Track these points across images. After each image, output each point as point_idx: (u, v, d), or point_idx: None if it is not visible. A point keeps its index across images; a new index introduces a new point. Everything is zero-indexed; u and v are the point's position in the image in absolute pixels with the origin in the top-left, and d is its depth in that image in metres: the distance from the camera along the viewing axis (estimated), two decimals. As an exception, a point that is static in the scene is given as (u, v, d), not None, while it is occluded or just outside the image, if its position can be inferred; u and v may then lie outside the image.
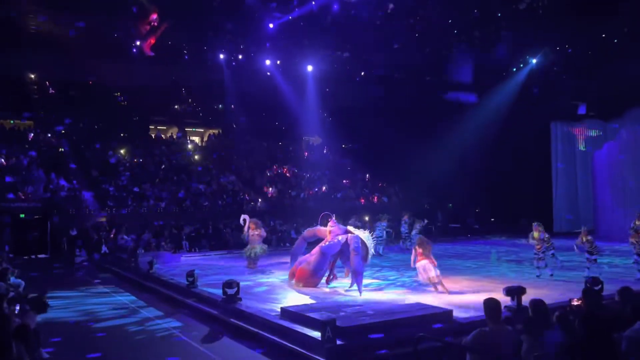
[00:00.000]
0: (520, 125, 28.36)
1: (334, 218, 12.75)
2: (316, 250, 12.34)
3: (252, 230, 15.79)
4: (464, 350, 4.88)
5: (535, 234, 13.56)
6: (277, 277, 14.24)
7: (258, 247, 15.65)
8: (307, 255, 12.68)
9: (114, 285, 14.46)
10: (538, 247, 13.48)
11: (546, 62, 28.99)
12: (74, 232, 21.82)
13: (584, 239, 13.30)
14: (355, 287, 11.17)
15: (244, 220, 16.16)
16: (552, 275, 13.20)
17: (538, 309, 5.25)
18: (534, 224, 13.88)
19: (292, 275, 12.64)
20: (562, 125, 29.35)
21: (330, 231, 12.36)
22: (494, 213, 30.69)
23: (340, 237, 11.94)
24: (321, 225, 13.20)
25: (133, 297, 12.57)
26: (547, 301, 9.20)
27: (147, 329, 9.39)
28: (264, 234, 16.30)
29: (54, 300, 11.28)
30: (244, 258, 16.03)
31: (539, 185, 29.04)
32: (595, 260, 13.12)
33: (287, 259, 17.05)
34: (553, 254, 14.09)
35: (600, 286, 8.28)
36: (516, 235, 26.92)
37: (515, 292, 8.63)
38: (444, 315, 8.35)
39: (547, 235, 13.75)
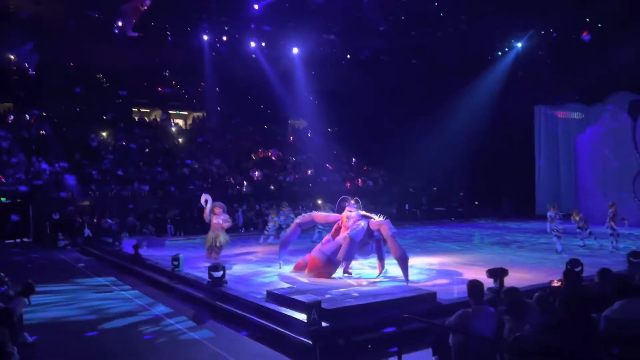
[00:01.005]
0: (505, 108, 28.55)
1: (352, 202, 11.55)
2: (335, 238, 11.17)
3: (217, 216, 14.13)
4: (448, 331, 4.96)
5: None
6: (261, 260, 14.26)
7: (222, 236, 14.01)
8: (319, 244, 11.64)
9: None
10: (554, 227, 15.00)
11: (531, 46, 29.13)
12: (56, 216, 21.61)
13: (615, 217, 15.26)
14: (378, 276, 10.88)
15: (206, 201, 14.37)
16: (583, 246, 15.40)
17: (511, 296, 5.30)
18: (549, 205, 15.83)
19: (300, 267, 11.51)
20: (545, 109, 29.60)
21: (348, 216, 11.24)
22: (477, 196, 31.02)
23: (362, 223, 10.88)
24: (339, 209, 12.06)
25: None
26: (529, 283, 9.46)
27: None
28: (227, 223, 14.38)
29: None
30: (205, 247, 14.34)
31: (522, 169, 29.37)
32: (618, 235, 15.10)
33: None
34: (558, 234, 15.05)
35: (580, 268, 8.43)
36: (499, 219, 27.33)
37: (497, 273, 8.75)
38: (428, 296, 8.47)
39: (560, 215, 15.29)
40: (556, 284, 6.14)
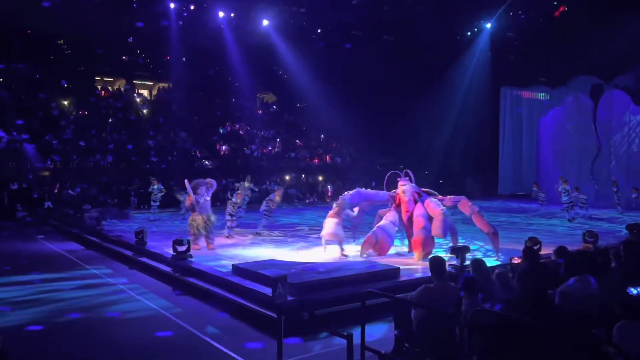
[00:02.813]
0: (472, 88, 28.90)
1: (404, 176, 11.26)
2: (422, 215, 10.42)
3: (200, 195, 11.84)
4: (410, 305, 5.06)
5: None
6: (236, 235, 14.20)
7: (213, 216, 11.83)
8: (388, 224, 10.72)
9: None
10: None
11: (499, 27, 29.40)
12: (14, 186, 20.92)
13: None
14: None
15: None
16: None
17: (478, 268, 5.49)
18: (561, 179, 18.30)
19: (372, 246, 10.48)
20: (511, 90, 30.11)
21: (403, 190, 10.90)
22: (442, 175, 31.48)
23: (436, 200, 10.60)
24: (388, 185, 11.65)
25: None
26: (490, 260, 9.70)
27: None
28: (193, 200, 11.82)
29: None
30: (197, 232, 11.56)
31: (487, 148, 29.91)
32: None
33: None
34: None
35: (538, 246, 8.72)
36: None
37: (459, 250, 9.00)
38: (392, 272, 8.62)
39: (566, 189, 17.60)
40: (516, 261, 6.33)
